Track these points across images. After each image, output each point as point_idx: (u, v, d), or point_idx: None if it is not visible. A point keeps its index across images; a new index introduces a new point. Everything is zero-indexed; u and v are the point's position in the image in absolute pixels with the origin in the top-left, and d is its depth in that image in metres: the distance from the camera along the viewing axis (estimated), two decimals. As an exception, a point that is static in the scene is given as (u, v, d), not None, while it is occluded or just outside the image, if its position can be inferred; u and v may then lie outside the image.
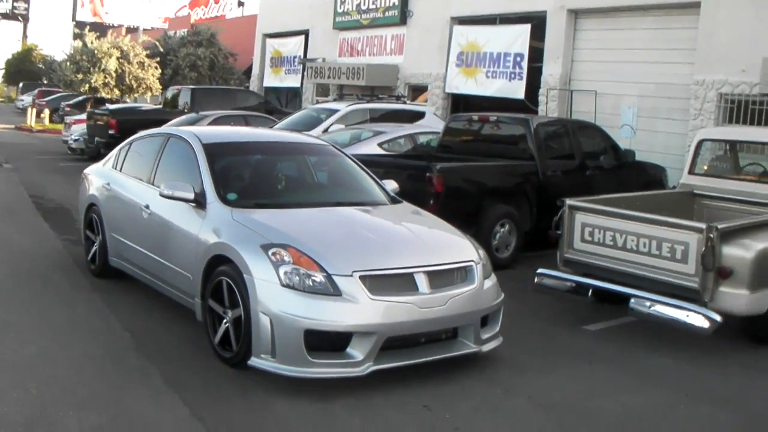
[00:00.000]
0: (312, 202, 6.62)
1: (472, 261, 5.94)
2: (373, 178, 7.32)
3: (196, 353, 6.01)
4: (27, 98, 45.54)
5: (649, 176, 11.76)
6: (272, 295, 5.35)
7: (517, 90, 18.30)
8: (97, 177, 8.49)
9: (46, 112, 35.57)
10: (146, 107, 23.39)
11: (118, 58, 32.59)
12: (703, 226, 6.30)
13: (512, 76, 18.57)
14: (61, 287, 7.80)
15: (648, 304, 6.42)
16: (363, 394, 5.31)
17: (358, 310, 5.28)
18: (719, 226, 6.29)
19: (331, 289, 5.31)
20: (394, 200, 7.06)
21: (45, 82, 36.90)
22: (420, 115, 16.19)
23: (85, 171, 9.00)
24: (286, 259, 5.44)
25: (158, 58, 34.07)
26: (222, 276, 5.77)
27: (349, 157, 7.55)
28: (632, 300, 6.54)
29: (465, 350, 5.81)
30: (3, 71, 68.46)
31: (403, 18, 22.48)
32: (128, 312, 7.07)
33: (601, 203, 7.16)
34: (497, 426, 5.02)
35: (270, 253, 5.49)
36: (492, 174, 9.77)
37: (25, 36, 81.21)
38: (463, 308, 5.68)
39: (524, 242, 9.86)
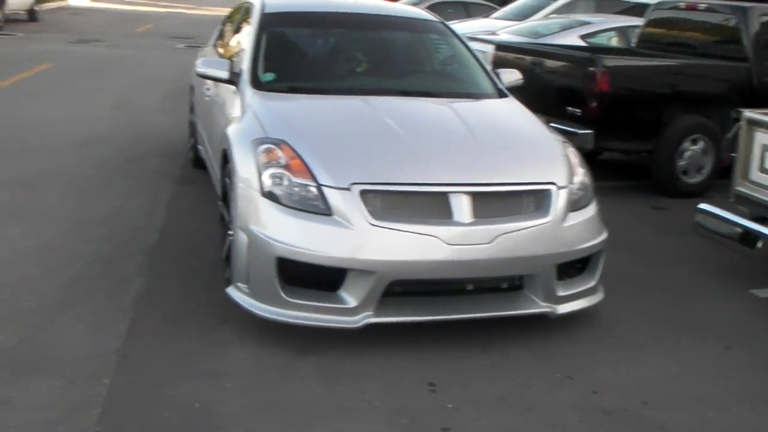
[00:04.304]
0: (368, 88, 5.01)
1: (553, 183, 4.15)
2: (483, 67, 5.60)
3: (208, 269, 4.87)
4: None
5: None
6: (251, 206, 3.99)
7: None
8: (198, 57, 7.53)
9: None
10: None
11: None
12: None
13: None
14: (145, 174, 7.01)
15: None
16: (354, 354, 3.87)
17: (351, 237, 3.76)
18: None
19: (322, 206, 3.84)
20: (500, 94, 5.32)
21: None
22: None
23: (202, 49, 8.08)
24: (281, 160, 4.03)
25: None
26: (226, 176, 4.52)
27: (461, 40, 5.84)
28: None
29: (529, 309, 4.12)
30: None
31: None
32: (184, 210, 6.09)
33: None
34: (511, 433, 3.33)
35: (259, 150, 4.10)
36: (682, 75, 7.47)
37: None
38: (522, 250, 3.95)
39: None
